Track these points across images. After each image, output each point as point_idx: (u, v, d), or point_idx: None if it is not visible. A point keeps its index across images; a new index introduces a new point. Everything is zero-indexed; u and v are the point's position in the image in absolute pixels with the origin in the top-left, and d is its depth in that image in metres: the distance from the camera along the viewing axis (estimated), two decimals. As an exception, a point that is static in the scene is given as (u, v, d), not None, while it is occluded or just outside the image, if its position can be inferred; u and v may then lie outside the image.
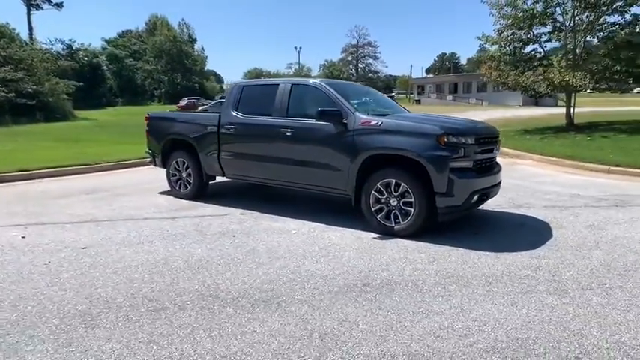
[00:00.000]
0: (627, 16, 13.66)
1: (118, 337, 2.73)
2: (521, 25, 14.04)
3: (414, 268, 3.86)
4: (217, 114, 6.42)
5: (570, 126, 15.12)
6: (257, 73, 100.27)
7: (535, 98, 16.38)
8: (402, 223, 4.73)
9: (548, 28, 14.35)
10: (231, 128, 6.08)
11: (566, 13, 13.84)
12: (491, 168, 5.10)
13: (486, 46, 15.24)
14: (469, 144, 4.61)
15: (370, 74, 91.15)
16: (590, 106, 28.72)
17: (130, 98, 60.72)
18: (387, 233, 4.80)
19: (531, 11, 13.87)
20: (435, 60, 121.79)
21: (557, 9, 13.82)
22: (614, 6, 13.11)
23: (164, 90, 66.99)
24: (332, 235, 4.87)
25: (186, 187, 6.78)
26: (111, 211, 6.06)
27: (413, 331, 2.78)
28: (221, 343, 2.64)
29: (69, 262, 4.05)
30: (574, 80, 12.63)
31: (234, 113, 6.14)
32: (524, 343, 2.64)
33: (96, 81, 54.48)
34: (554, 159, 10.38)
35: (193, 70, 69.11)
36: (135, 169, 10.29)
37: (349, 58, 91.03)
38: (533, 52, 14.93)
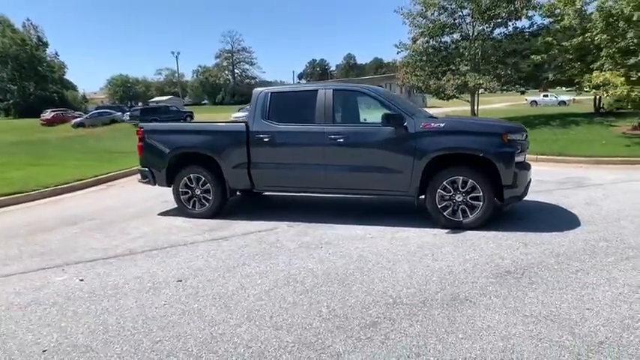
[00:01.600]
0: (510, 28, 16.37)
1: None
2: (433, 33, 15.82)
3: (522, 253, 4.31)
4: (242, 123, 6.09)
5: (475, 123, 17.43)
6: (122, 80, 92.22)
7: (445, 99, 18.26)
8: (470, 216, 5.16)
9: (456, 37, 16.40)
10: (266, 137, 5.83)
11: (469, 24, 16.00)
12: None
13: (402, 52, 16.77)
14: (522, 140, 5.27)
15: (247, 80, 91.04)
16: (447, 107, 33.03)
17: (-31, 113, 50.73)
18: (455, 227, 5.18)
19: (439, 22, 15.73)
20: (306, 66, 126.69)
21: (463, 19, 15.92)
22: (503, 19, 15.60)
23: (13, 102, 57.44)
24: (408, 235, 5.06)
25: (202, 205, 6.26)
26: (138, 239, 5.34)
27: (606, 301, 3.22)
28: (484, 345, 2.74)
29: (190, 298, 3.58)
30: (486, 83, 14.72)
31: (265, 122, 5.89)
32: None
33: None
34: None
35: (50, 77, 60.57)
36: (78, 193, 9.01)
37: (224, 64, 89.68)
38: (443, 58, 16.84)
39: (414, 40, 16.31)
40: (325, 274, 3.98)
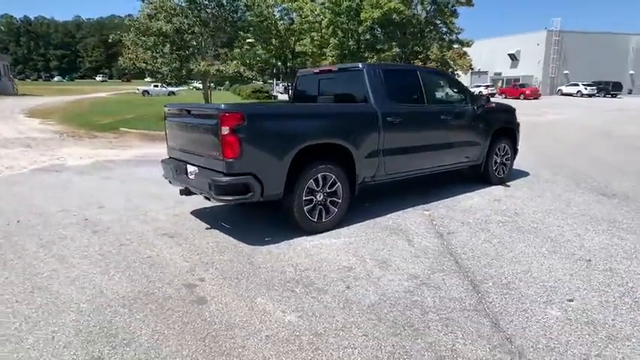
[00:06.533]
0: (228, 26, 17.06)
1: None
2: (169, 14, 14.16)
3: (573, 189, 6.67)
4: (369, 103, 4.96)
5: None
6: None
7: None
8: (504, 174, 6.91)
9: (189, 22, 15.13)
10: (398, 120, 5.13)
11: (203, 10, 15.32)
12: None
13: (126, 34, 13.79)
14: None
15: None
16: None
17: None
18: (500, 184, 6.78)
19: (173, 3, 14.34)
20: None
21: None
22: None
23: None
24: (496, 195, 6.22)
25: (328, 213, 4.67)
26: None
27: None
28: None
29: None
30: (212, 70, 14.85)
31: (390, 102, 5.14)
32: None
33: None
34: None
35: None
36: None
37: None
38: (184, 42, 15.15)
39: (150, 18, 14.01)
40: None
